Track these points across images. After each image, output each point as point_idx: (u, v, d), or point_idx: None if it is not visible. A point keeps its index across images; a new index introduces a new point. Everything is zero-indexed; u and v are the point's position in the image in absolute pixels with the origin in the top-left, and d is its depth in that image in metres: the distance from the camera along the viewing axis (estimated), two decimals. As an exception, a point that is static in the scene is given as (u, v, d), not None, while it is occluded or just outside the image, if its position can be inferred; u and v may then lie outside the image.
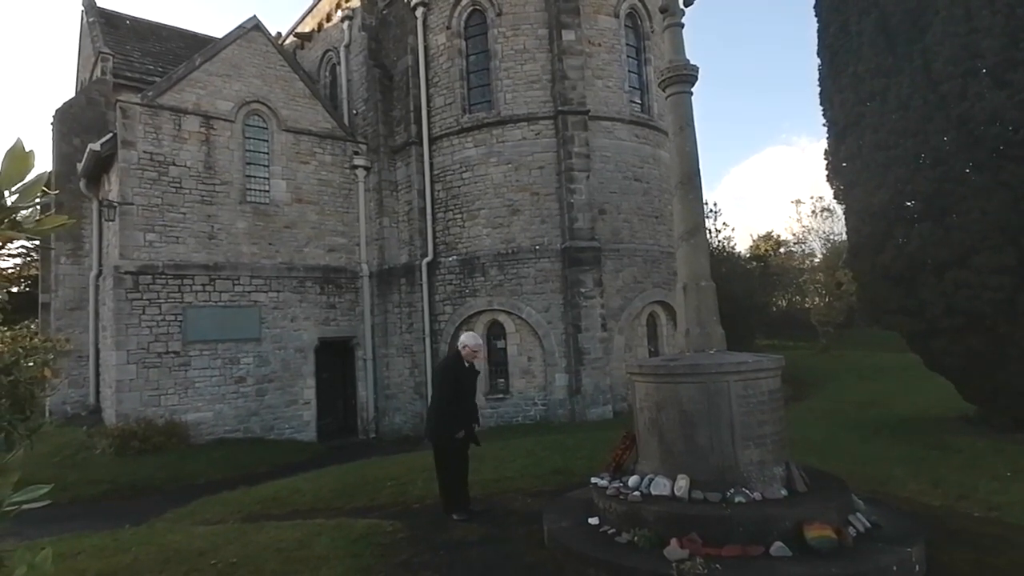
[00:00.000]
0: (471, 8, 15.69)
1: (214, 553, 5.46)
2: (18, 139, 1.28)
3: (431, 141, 15.79)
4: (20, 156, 1.26)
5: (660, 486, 5.03)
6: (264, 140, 15.27)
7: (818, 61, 11.32)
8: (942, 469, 7.44)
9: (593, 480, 5.70)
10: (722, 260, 27.03)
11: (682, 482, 4.95)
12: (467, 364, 6.86)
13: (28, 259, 25.94)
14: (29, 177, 1.29)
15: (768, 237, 36.79)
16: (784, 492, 4.91)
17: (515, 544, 5.46)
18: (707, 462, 5.03)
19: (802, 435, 8.35)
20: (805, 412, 12.82)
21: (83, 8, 19.74)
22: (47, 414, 14.03)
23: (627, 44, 16.12)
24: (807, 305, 30.51)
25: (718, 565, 4.16)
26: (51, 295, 16.47)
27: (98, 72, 17.41)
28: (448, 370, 6.83)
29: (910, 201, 9.94)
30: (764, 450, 5.07)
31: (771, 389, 5.28)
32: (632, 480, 5.29)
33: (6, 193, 1.27)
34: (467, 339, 7.04)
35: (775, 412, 5.25)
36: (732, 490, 4.79)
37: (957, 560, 4.71)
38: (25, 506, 1.43)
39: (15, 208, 1.29)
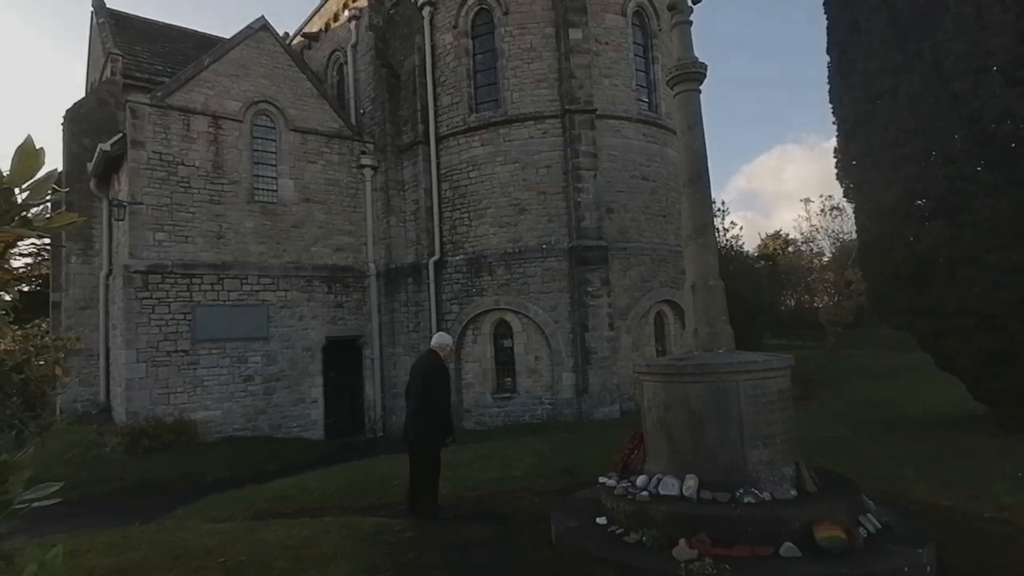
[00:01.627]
0: (478, 7, 15.68)
1: (223, 551, 5.48)
2: (28, 136, 1.28)
3: (438, 140, 15.80)
4: (30, 153, 1.26)
5: (668, 486, 5.02)
6: (272, 140, 15.32)
7: (827, 59, 11.25)
8: (953, 469, 7.38)
9: (601, 480, 5.69)
10: (730, 259, 26.92)
11: (691, 482, 4.93)
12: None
13: (39, 258, 26.16)
14: (39, 175, 1.29)
15: (777, 236, 36.62)
16: (794, 492, 4.88)
17: (522, 544, 5.45)
18: (716, 462, 5.01)
19: (812, 435, 8.29)
20: (814, 412, 12.74)
21: (93, 9, 19.86)
22: (58, 412, 14.14)
23: (634, 42, 16.07)
24: (816, 304, 30.32)
25: (727, 565, 4.14)
26: (62, 294, 16.58)
27: (108, 73, 17.51)
28: (443, 372, 6.85)
29: (921, 200, 9.86)
30: (773, 450, 5.04)
31: (780, 389, 5.26)
32: (640, 480, 5.27)
33: (16, 190, 1.27)
34: (445, 339, 7.16)
35: (784, 412, 5.23)
36: (741, 490, 4.77)
37: (968, 561, 4.68)
38: (35, 504, 1.43)
39: (25, 205, 1.29)
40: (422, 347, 15.36)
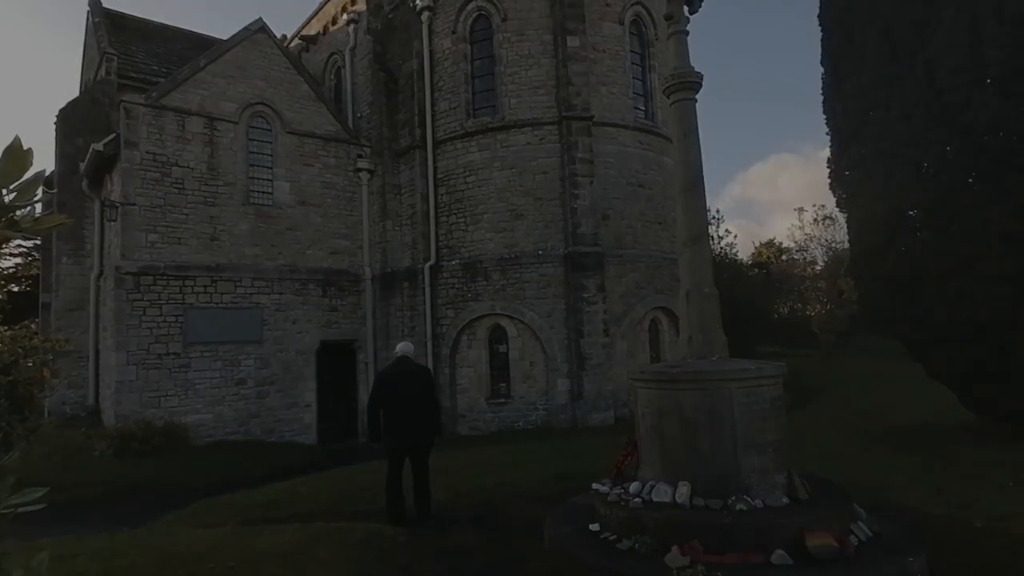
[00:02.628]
0: (476, 13, 15.72)
1: (212, 557, 5.43)
2: (16, 136, 1.27)
3: (435, 145, 15.79)
4: (18, 154, 1.25)
5: (661, 493, 5.01)
6: (268, 142, 15.28)
7: (822, 70, 11.32)
8: (944, 478, 7.41)
9: (594, 486, 5.68)
10: (725, 267, 26.97)
11: (683, 489, 4.92)
12: None
13: (29, 259, 25.96)
14: (27, 175, 1.28)
15: (771, 244, 36.77)
16: (786, 500, 4.89)
17: (516, 550, 5.43)
18: (708, 469, 5.01)
19: (804, 443, 8.31)
20: (807, 420, 12.77)
21: (89, 8, 19.80)
22: (46, 415, 14.00)
23: (632, 51, 16.14)
24: (809, 313, 30.45)
25: (719, 573, 4.14)
26: (52, 295, 16.45)
27: (102, 72, 17.42)
28: (429, 374, 7.05)
29: (912, 210, 9.93)
30: (766, 457, 5.05)
31: (773, 397, 5.27)
32: (633, 486, 5.27)
33: (4, 191, 1.26)
34: (410, 346, 7.30)
35: (777, 420, 5.24)
36: (733, 497, 4.77)
37: (958, 570, 4.68)
38: (21, 509, 1.41)
39: (12, 207, 1.28)
40: (417, 352, 15.34)
